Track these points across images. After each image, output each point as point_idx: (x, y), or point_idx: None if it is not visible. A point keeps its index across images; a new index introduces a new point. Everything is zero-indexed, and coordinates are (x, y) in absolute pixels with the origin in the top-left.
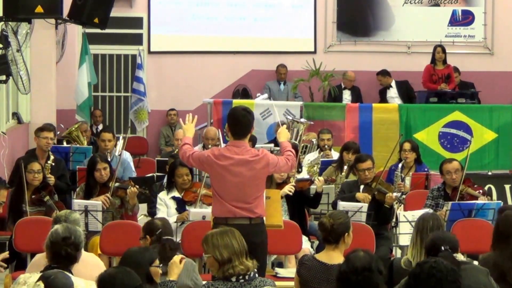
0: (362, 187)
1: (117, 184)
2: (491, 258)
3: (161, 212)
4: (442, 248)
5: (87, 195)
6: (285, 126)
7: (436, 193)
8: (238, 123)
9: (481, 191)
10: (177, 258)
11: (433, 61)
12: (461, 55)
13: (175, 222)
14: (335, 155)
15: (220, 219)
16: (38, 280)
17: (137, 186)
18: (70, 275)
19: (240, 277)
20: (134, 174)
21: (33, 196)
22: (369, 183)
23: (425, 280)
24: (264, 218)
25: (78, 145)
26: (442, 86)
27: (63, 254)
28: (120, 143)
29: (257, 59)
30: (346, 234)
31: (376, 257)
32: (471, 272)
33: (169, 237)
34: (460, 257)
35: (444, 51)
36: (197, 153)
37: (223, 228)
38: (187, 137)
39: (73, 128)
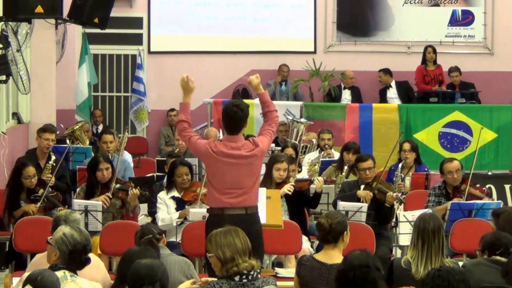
0: (362, 187)
1: (118, 185)
2: None
3: (161, 211)
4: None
5: (88, 195)
6: (254, 76)
7: (438, 192)
8: (228, 118)
9: (484, 189)
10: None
11: (424, 61)
12: (461, 55)
13: (177, 218)
14: (336, 155)
15: (216, 210)
16: (25, 285)
17: (138, 188)
18: (75, 275)
19: (243, 277)
20: (133, 175)
21: (31, 197)
22: (370, 183)
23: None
24: (264, 218)
25: (78, 145)
26: (436, 88)
27: (83, 260)
28: (124, 140)
29: (257, 59)
30: (345, 232)
31: (373, 255)
32: None
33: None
34: None
35: (434, 51)
36: (195, 140)
37: (227, 228)
38: (185, 105)
39: (76, 127)
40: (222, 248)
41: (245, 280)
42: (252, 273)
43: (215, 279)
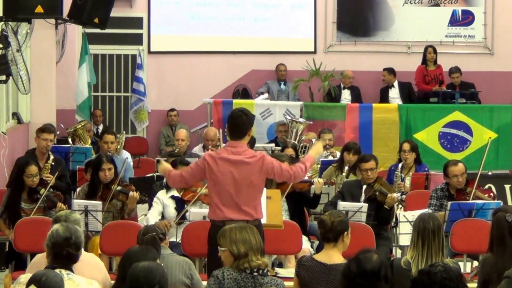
0: (364, 187)
1: (119, 187)
2: (490, 259)
3: (153, 209)
4: None
5: (90, 195)
6: (320, 143)
7: (440, 193)
8: (232, 124)
9: (492, 194)
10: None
11: (424, 61)
12: (461, 55)
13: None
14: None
15: (217, 222)
16: (29, 285)
17: (138, 192)
18: (71, 273)
19: (254, 270)
20: (133, 174)
21: (34, 197)
22: (372, 183)
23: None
24: (264, 218)
25: (79, 145)
26: (436, 88)
27: (64, 254)
28: (122, 141)
29: (257, 59)
30: (346, 233)
31: (385, 262)
32: None
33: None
34: None
35: (435, 51)
36: (188, 168)
37: (242, 224)
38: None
39: (79, 126)
40: (237, 243)
41: (255, 274)
42: (262, 268)
43: None
